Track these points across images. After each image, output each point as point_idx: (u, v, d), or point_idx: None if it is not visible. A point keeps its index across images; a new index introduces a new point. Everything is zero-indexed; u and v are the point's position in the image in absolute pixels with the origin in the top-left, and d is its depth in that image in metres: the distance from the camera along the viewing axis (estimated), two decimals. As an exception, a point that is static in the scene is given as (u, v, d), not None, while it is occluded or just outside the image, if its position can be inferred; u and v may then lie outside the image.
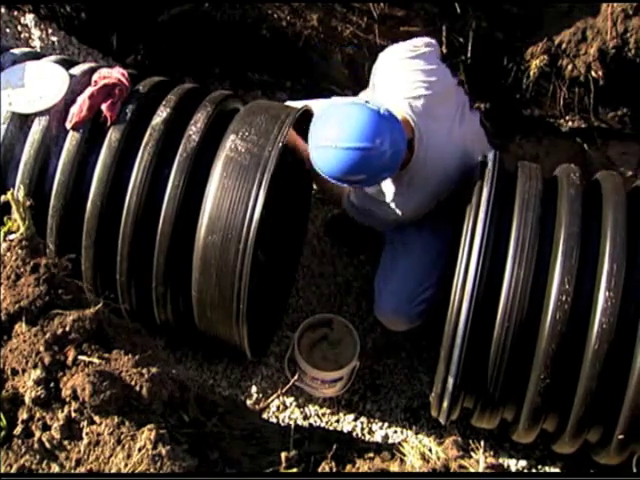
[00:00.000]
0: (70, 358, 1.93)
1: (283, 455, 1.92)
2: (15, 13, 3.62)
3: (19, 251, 2.09)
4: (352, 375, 3.00)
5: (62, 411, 1.85)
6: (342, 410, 3.00)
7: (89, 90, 2.63)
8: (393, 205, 2.71)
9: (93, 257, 2.58)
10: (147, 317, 2.67)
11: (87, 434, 1.83)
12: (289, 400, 2.99)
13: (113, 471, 1.76)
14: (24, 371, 1.91)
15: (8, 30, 3.57)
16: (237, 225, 2.49)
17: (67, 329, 1.95)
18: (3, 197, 2.15)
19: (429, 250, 2.83)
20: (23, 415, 1.87)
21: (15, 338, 1.96)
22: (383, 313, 2.92)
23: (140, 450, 1.75)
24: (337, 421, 2.98)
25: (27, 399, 1.87)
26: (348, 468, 1.95)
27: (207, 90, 2.88)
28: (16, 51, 2.90)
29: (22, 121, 2.61)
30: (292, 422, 2.88)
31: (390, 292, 2.86)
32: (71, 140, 2.58)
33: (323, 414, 2.99)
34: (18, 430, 1.86)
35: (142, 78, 2.81)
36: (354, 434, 2.89)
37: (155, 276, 2.58)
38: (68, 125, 2.59)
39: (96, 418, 1.83)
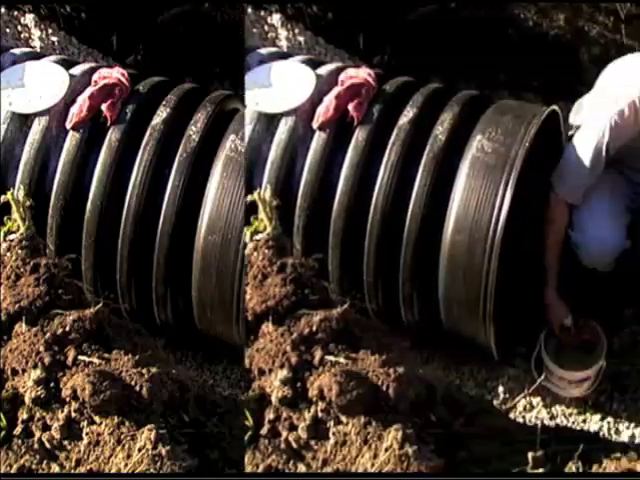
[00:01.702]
0: (70, 358, 1.93)
1: (530, 455, 1.92)
2: (15, 13, 3.61)
3: (19, 251, 2.09)
4: (599, 375, 2.94)
5: (62, 411, 1.85)
6: (589, 410, 2.93)
7: (89, 90, 2.63)
8: None
9: (93, 257, 2.58)
10: (147, 317, 2.67)
11: (87, 434, 1.83)
12: (535, 400, 2.92)
13: (113, 471, 1.76)
14: (24, 371, 1.91)
15: (8, 30, 3.57)
16: (239, 225, 2.49)
17: (67, 329, 1.95)
18: (3, 197, 2.16)
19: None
20: (23, 415, 1.87)
21: (15, 338, 1.97)
22: (589, 248, 2.76)
23: (140, 450, 1.75)
24: (584, 421, 2.92)
25: (27, 399, 1.87)
26: (595, 468, 1.94)
27: (207, 90, 2.88)
28: (16, 51, 2.90)
29: (22, 121, 2.60)
30: (539, 422, 2.81)
31: (594, 228, 2.73)
32: (71, 140, 2.57)
33: (570, 414, 2.92)
34: (18, 430, 1.86)
35: (142, 78, 2.80)
36: (601, 434, 2.82)
37: (155, 276, 2.58)
38: (68, 125, 2.59)
39: (96, 418, 1.84)
